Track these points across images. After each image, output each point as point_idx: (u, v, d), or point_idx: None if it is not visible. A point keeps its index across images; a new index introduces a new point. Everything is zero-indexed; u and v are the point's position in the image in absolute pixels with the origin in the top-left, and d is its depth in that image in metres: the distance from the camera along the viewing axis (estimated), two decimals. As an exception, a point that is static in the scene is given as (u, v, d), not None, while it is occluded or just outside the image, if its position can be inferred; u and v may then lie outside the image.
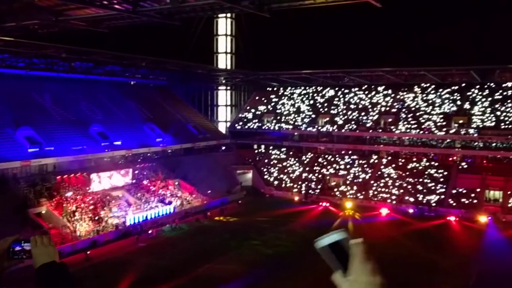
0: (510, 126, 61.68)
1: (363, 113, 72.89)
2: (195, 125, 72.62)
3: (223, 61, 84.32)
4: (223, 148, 75.67)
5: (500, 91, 66.82)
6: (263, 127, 78.20)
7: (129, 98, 66.50)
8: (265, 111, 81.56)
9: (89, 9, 34.10)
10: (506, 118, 63.02)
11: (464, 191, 57.11)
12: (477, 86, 68.48)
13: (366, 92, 76.60)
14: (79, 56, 55.30)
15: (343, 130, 71.35)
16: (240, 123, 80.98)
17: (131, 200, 50.58)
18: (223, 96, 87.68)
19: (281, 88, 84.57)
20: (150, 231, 44.72)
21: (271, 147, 76.04)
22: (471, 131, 63.08)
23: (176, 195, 55.32)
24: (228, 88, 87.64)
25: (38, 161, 47.40)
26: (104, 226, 43.95)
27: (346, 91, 78.41)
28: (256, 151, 78.03)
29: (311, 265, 34.75)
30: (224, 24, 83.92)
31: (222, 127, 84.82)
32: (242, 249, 40.02)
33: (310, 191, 63.46)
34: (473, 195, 56.29)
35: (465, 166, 62.62)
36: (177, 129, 65.56)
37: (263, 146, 78.24)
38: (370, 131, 69.63)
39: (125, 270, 33.37)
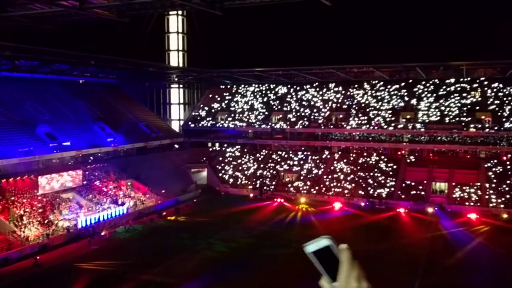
0: (453, 121, 64.62)
1: (315, 110, 74.15)
2: (147, 124, 71.47)
3: (175, 59, 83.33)
4: (177, 146, 74.99)
5: (444, 87, 69.78)
6: (217, 125, 77.95)
7: (78, 97, 64.54)
8: (219, 109, 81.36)
9: (34, 5, 32.86)
10: (450, 113, 65.94)
11: (413, 184, 59.39)
12: (423, 82, 71.25)
13: (318, 89, 77.94)
14: (23, 54, 53.04)
15: (296, 127, 72.30)
16: (194, 121, 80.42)
17: (82, 202, 49.26)
18: (176, 94, 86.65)
19: (235, 86, 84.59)
20: (103, 233, 43.74)
21: (225, 145, 76.01)
22: (418, 125, 65.56)
23: (129, 196, 54.34)
24: (181, 86, 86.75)
25: (-19, 164, 45.32)
26: (54, 230, 42.56)
27: (298, 88, 79.48)
28: (211, 149, 77.75)
29: (265, 262, 35.27)
30: (175, 22, 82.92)
31: (175, 126, 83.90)
32: (198, 247, 39.83)
33: (265, 187, 63.98)
34: (420, 187, 58.64)
35: (413, 160, 65.06)
36: (129, 128, 64.31)
37: (217, 144, 78.02)
38: (322, 127, 70.92)
39: (77, 274, 32.50)
